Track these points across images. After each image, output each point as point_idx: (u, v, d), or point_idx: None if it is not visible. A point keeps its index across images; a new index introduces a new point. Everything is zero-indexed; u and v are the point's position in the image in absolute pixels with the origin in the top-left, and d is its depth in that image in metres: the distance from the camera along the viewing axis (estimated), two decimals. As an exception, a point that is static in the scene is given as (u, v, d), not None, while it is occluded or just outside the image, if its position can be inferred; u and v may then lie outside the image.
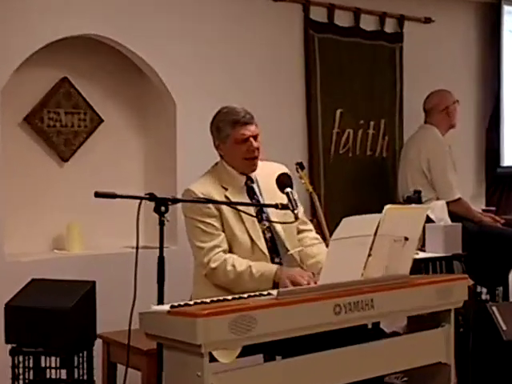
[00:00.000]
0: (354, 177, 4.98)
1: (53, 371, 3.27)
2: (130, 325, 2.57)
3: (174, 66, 4.17)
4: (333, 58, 4.85)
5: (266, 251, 3.06)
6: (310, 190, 4.11)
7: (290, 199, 2.92)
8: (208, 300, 2.55)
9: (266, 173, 3.16)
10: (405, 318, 3.10)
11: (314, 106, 4.76)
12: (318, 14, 4.77)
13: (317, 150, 4.78)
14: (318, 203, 4.14)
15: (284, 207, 2.90)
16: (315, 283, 2.78)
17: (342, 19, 4.90)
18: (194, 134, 4.08)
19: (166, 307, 2.41)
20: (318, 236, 3.34)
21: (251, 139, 3.08)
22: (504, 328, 3.69)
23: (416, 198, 4.16)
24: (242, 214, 3.01)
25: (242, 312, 2.28)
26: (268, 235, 3.10)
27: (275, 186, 3.02)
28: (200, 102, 4.16)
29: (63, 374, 3.24)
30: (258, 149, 3.10)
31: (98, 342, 3.42)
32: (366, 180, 5.04)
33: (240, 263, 2.97)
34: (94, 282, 3.34)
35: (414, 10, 5.26)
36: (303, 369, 2.47)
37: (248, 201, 3.10)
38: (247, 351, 2.44)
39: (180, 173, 4.17)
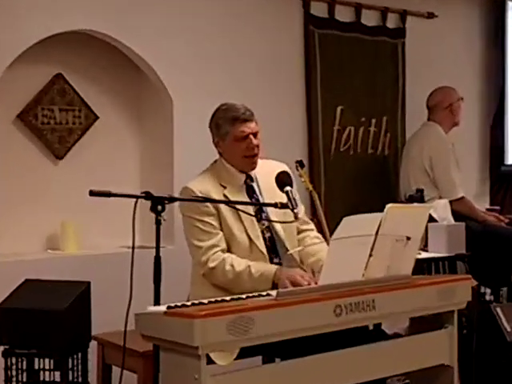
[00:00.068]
0: (354, 175, 4.96)
1: (46, 373, 3.26)
2: (125, 326, 2.56)
3: (170, 62, 4.16)
4: (334, 53, 4.83)
5: (264, 251, 3.05)
6: (310, 188, 4.10)
7: (289, 198, 2.91)
8: (205, 301, 2.55)
9: (266, 171, 3.15)
10: (407, 319, 3.10)
11: (314, 102, 4.74)
12: (319, 9, 4.76)
13: (317, 147, 4.76)
14: (318, 202, 4.12)
15: (283, 206, 2.88)
16: (315, 283, 2.76)
17: (343, 14, 4.88)
18: (192, 131, 4.07)
19: (163, 308, 2.40)
20: (320, 235, 3.33)
21: (251, 136, 3.07)
22: (508, 329, 3.73)
23: (418, 197, 4.15)
24: (241, 213, 3.00)
25: (240, 313, 2.26)
26: (267, 235, 3.10)
27: (275, 184, 3.00)
28: (198, 99, 4.15)
29: (57, 376, 3.23)
30: (257, 146, 3.09)
31: (93, 344, 3.42)
32: (367, 178, 5.02)
33: (239, 263, 2.96)
34: (88, 283, 3.34)
35: (417, 5, 5.25)
36: (303, 371, 2.45)
37: (247, 200, 3.09)
38: (245, 353, 2.42)
39: (177, 171, 4.15)
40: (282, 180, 2.99)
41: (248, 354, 2.54)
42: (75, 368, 3.25)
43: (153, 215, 2.56)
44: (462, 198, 4.64)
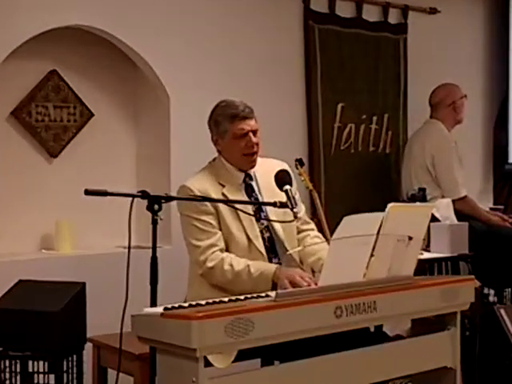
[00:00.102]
0: (355, 173, 4.94)
1: (41, 376, 3.24)
2: (121, 328, 2.55)
3: (167, 58, 4.14)
4: (334, 50, 4.81)
5: (263, 251, 3.04)
6: (310, 187, 4.12)
7: (288, 197, 2.89)
8: (203, 302, 2.54)
9: (266, 170, 3.14)
10: (409, 320, 3.06)
11: (314, 99, 4.72)
12: (319, 5, 4.73)
13: (317, 145, 4.73)
14: (318, 201, 4.16)
15: (282, 205, 2.87)
16: (315, 284, 2.75)
17: (344, 10, 4.86)
18: (189, 128, 4.06)
19: (160, 309, 2.39)
20: (320, 235, 3.33)
21: (250, 134, 3.06)
22: (512, 331, 3.67)
23: (420, 196, 4.15)
24: (240, 213, 2.99)
25: (238, 315, 2.25)
26: (266, 235, 3.09)
27: (274, 183, 2.99)
28: (195, 96, 4.13)
29: (51, 379, 3.21)
30: (257, 144, 3.09)
31: (88, 346, 3.41)
32: (368, 177, 5.00)
33: (238, 262, 2.95)
34: (84, 284, 3.33)
35: (419, 0, 5.24)
36: (302, 374, 2.44)
37: (246, 199, 3.09)
38: (244, 355, 2.41)
39: (174, 169, 4.14)
40: (282, 178, 2.97)
41: (246, 357, 2.53)
42: (70, 371, 3.24)
43: (149, 214, 2.55)
44: (465, 197, 4.63)
